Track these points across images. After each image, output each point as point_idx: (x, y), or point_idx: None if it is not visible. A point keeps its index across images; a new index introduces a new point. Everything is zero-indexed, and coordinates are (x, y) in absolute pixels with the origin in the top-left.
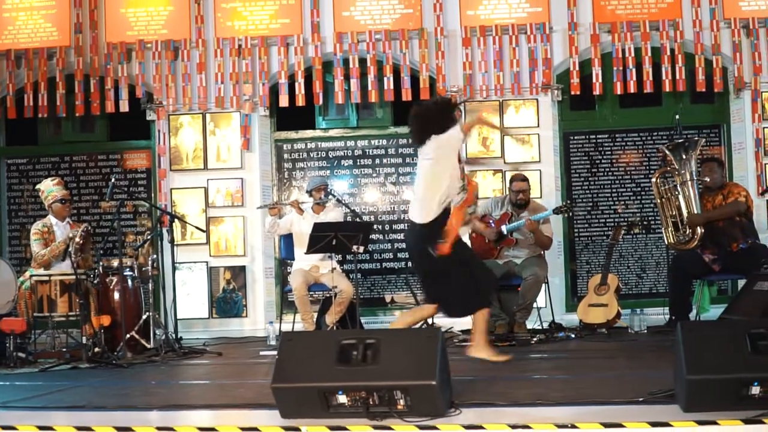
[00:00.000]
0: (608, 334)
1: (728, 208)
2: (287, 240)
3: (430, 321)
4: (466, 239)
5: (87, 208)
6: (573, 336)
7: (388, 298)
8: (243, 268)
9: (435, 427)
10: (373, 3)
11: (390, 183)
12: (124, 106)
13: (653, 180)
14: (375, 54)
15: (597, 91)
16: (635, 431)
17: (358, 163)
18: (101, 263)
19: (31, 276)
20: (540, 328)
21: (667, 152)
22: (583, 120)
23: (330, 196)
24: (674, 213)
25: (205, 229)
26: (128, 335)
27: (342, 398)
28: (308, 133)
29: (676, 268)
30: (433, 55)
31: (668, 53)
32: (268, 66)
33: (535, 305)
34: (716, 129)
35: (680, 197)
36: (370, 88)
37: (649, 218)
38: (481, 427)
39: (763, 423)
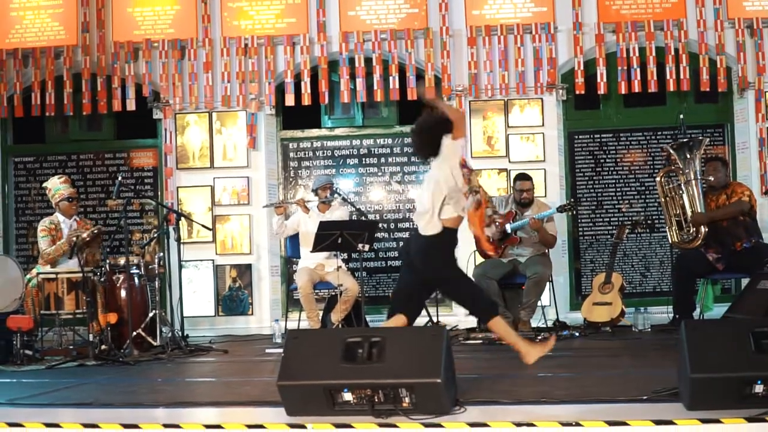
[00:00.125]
0: (612, 332)
1: (732, 208)
2: (293, 238)
3: (435, 319)
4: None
5: (94, 206)
6: (577, 334)
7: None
8: (249, 267)
9: (440, 425)
10: (378, 3)
11: (395, 182)
12: (131, 105)
13: (657, 179)
14: (380, 53)
15: (601, 91)
16: (639, 429)
17: (364, 162)
18: (108, 261)
19: (38, 273)
20: (544, 326)
21: (671, 151)
22: (587, 119)
23: (335, 195)
24: (678, 212)
25: (211, 227)
26: (135, 333)
27: (347, 396)
28: (314, 132)
29: (680, 266)
30: (439, 54)
31: (672, 53)
32: (274, 65)
33: (539, 303)
34: (720, 128)
35: (684, 196)
36: (375, 87)
37: (653, 217)
38: (485, 425)
39: (767, 421)
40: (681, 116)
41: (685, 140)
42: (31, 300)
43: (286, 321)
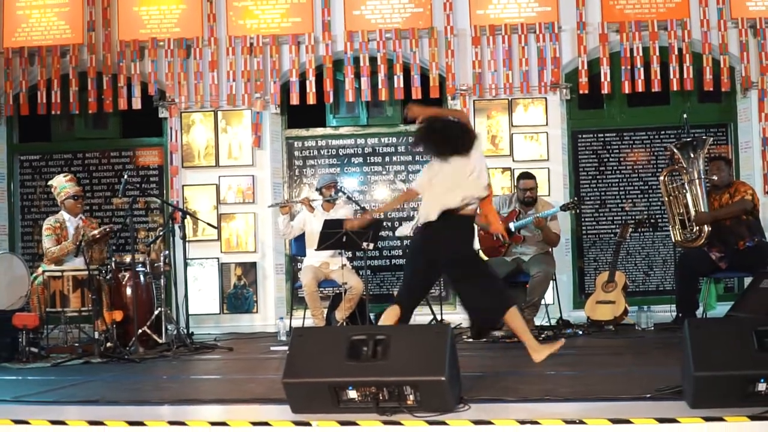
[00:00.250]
0: (615, 330)
1: (735, 207)
2: (298, 237)
3: (439, 317)
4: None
5: (99, 205)
6: (580, 333)
7: (396, 295)
8: (254, 265)
9: (444, 422)
10: (383, 2)
11: (399, 180)
12: (137, 104)
13: (661, 178)
14: (385, 53)
15: (605, 90)
16: (643, 427)
17: (368, 161)
18: (114, 259)
19: (44, 271)
20: (548, 324)
21: (675, 151)
22: (591, 119)
23: (340, 193)
24: (681, 211)
25: (216, 225)
26: (140, 330)
27: (352, 393)
28: (319, 130)
29: (683, 265)
30: (443, 53)
31: (676, 53)
32: (280, 64)
33: (542, 302)
34: (723, 128)
35: (688, 195)
36: (380, 86)
37: (657, 216)
38: (489, 423)
39: None
40: (684, 116)
41: (688, 139)
42: (37, 298)
43: (290, 319)
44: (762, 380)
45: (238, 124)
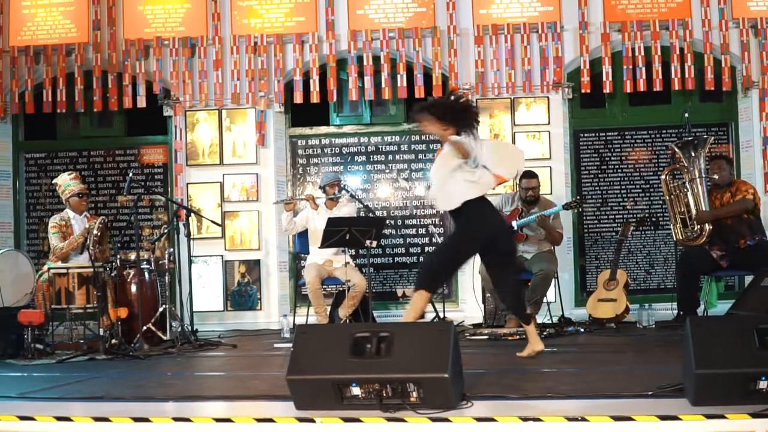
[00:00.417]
0: (617, 328)
1: (736, 206)
2: (301, 234)
3: (442, 315)
4: None
5: (104, 202)
6: (582, 330)
7: (399, 293)
8: (257, 262)
9: (447, 419)
10: (387, 2)
11: (402, 179)
12: (142, 102)
13: (662, 177)
14: (388, 52)
15: (607, 90)
16: (644, 424)
17: (372, 159)
18: (119, 256)
19: (49, 269)
20: (550, 322)
21: (676, 150)
22: (593, 118)
23: (343, 192)
24: (683, 210)
25: (220, 223)
26: (145, 327)
27: (356, 390)
28: (322, 129)
29: (684, 264)
30: (446, 53)
31: (677, 52)
32: (284, 63)
33: (544, 300)
34: (724, 127)
35: (689, 194)
36: (383, 85)
37: (658, 215)
38: (492, 420)
39: None
40: (686, 115)
41: (689, 139)
42: (42, 294)
43: (294, 316)
44: (763, 378)
45: (242, 123)
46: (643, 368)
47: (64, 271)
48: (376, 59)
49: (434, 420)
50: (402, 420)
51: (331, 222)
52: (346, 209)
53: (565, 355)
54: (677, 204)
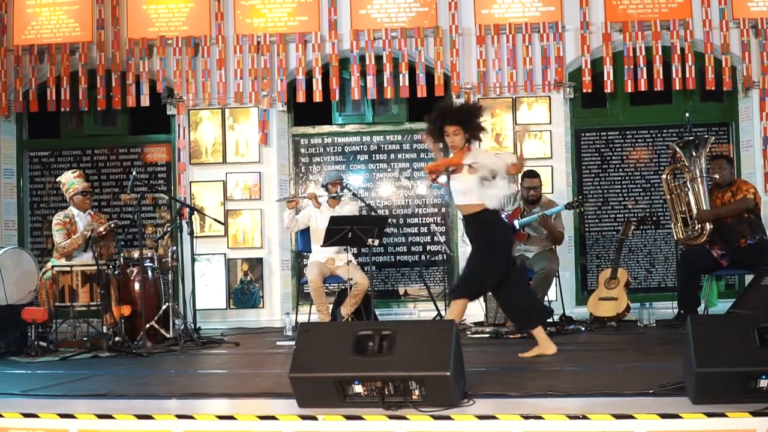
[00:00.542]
0: (618, 327)
1: (737, 205)
2: (303, 233)
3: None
4: None
5: (108, 201)
6: (583, 329)
7: (401, 291)
8: (260, 260)
9: (449, 417)
10: (389, 1)
11: (404, 178)
12: (145, 101)
13: (663, 176)
14: (391, 51)
15: (608, 89)
16: (645, 423)
17: (374, 158)
18: (122, 254)
19: (53, 266)
20: (551, 320)
21: (677, 149)
22: (594, 117)
23: (345, 190)
24: (684, 209)
25: (223, 221)
26: (148, 325)
27: (358, 388)
28: (325, 128)
29: (685, 262)
30: (448, 52)
31: (678, 52)
32: (286, 62)
33: (546, 298)
34: (725, 127)
35: (690, 193)
36: (385, 84)
37: (659, 214)
38: (493, 417)
39: None
40: (686, 114)
41: (690, 138)
42: (46, 292)
43: (296, 314)
44: (763, 377)
45: (245, 122)
46: (644, 366)
47: (68, 268)
48: (379, 59)
49: (436, 418)
50: (404, 418)
51: (334, 221)
52: (348, 208)
53: (566, 354)
54: (678, 203)
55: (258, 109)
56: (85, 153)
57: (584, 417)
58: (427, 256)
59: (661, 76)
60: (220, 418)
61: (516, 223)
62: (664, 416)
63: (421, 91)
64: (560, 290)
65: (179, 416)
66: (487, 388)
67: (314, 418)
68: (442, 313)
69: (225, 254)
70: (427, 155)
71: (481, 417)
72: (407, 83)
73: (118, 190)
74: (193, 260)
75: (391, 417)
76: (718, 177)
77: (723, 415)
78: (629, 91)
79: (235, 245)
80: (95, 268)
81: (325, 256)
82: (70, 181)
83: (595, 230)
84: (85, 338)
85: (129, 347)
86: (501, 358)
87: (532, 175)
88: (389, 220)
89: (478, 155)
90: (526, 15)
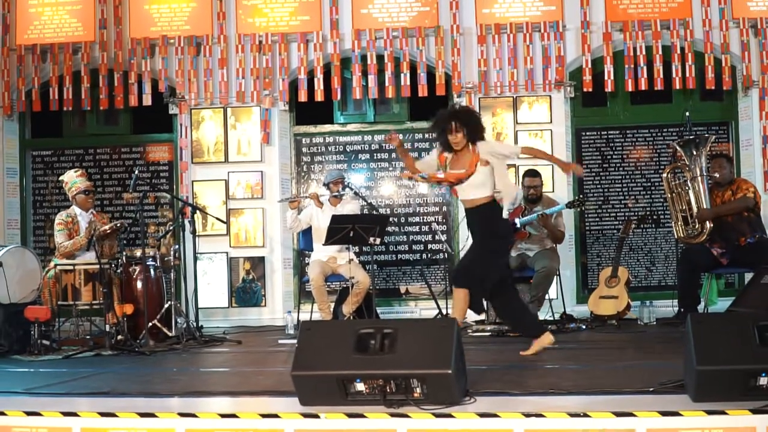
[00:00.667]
0: (618, 325)
1: (737, 204)
2: (305, 232)
3: (445, 311)
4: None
5: (110, 200)
6: (584, 327)
7: (403, 289)
8: (262, 259)
9: (450, 415)
10: (390, 1)
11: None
12: (147, 100)
13: (664, 175)
14: (392, 51)
15: (609, 88)
16: (646, 420)
17: (375, 157)
18: (124, 253)
19: (56, 265)
20: (552, 319)
21: (677, 148)
22: (594, 116)
23: (347, 189)
24: (684, 207)
25: (225, 220)
26: (150, 323)
27: (360, 386)
28: (326, 127)
29: (685, 261)
30: (449, 52)
31: (678, 52)
32: (288, 62)
33: (547, 297)
34: (725, 126)
35: (690, 192)
36: (387, 84)
37: (659, 212)
38: (495, 415)
39: None
40: (687, 114)
41: (690, 137)
42: (49, 291)
43: (298, 312)
44: (763, 374)
45: (247, 121)
46: (645, 365)
47: (71, 267)
48: (380, 58)
49: (437, 416)
50: (405, 416)
51: (335, 219)
52: (349, 206)
53: (566, 352)
54: (678, 202)
55: (260, 108)
56: (88, 152)
57: (585, 415)
58: (429, 255)
59: (662, 76)
60: (223, 416)
61: (517, 221)
62: (664, 414)
63: (423, 91)
64: (561, 289)
65: (182, 414)
66: (489, 386)
67: (316, 416)
68: (443, 311)
69: (227, 253)
70: (428, 154)
71: (482, 415)
72: (408, 83)
73: (121, 189)
74: (196, 259)
75: (392, 415)
76: (718, 176)
77: (723, 412)
78: (629, 90)
79: (237, 244)
80: (98, 266)
81: (327, 254)
82: (73, 180)
83: (596, 229)
84: (88, 337)
85: (131, 346)
86: (502, 356)
87: (533, 174)
88: (390, 219)
89: (487, 147)
90: (527, 14)
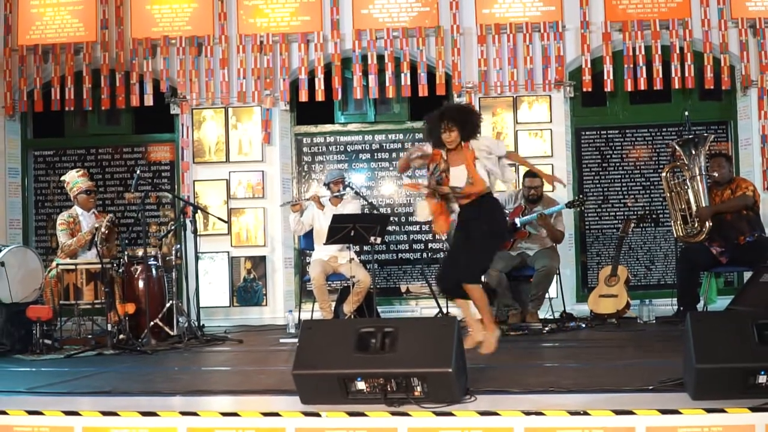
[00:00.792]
0: (618, 324)
1: (736, 202)
2: (307, 232)
3: (445, 310)
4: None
5: (112, 199)
6: (583, 326)
7: (403, 288)
8: (263, 258)
9: (451, 414)
10: (391, 1)
11: (406, 176)
12: (149, 100)
13: (663, 174)
14: (393, 51)
15: (608, 88)
16: (645, 418)
17: (376, 157)
18: (126, 252)
19: (58, 265)
20: (552, 317)
21: (676, 147)
22: (594, 116)
23: (348, 189)
24: (683, 206)
25: (226, 220)
26: (152, 323)
27: (361, 385)
28: (327, 127)
29: (685, 260)
30: (449, 52)
31: (678, 51)
32: (289, 62)
33: (547, 296)
34: (724, 125)
35: (689, 191)
36: (387, 84)
37: (658, 212)
38: (495, 413)
39: None
40: (686, 113)
41: (689, 137)
42: (50, 290)
43: (299, 312)
44: (762, 372)
45: (248, 121)
46: (644, 363)
47: (73, 267)
48: (381, 58)
49: (438, 414)
50: (406, 414)
51: (336, 219)
52: (350, 206)
53: (566, 350)
54: (678, 201)
55: (261, 108)
56: (90, 152)
57: (585, 413)
58: (429, 254)
59: (661, 75)
60: (224, 414)
61: (517, 221)
62: (664, 412)
63: (423, 91)
64: (561, 287)
65: (183, 413)
66: (489, 384)
67: (317, 415)
68: (444, 310)
69: (228, 252)
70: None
71: (482, 413)
72: (409, 82)
73: (122, 189)
74: (197, 258)
75: (393, 413)
76: (717, 175)
77: (722, 410)
78: (629, 89)
79: (239, 243)
80: (99, 266)
81: (328, 254)
82: (75, 180)
83: (596, 228)
84: (90, 336)
85: (133, 345)
86: (502, 355)
87: (534, 174)
88: (391, 219)
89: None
90: (527, 14)
